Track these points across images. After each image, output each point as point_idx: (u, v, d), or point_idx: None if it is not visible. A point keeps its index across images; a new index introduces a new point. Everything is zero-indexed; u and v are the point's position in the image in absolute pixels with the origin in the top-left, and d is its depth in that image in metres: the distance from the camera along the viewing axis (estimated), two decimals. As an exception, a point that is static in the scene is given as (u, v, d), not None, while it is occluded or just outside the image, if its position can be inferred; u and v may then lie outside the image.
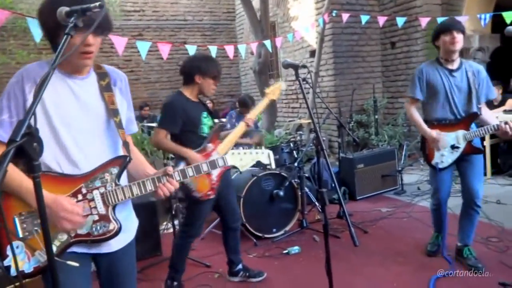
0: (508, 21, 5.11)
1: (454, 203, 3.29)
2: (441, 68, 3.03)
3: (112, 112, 1.57)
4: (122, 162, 1.55)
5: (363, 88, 7.93)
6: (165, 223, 4.49)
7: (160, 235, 3.94)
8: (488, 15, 5.67)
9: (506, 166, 5.75)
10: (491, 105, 6.09)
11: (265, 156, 1.81)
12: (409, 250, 3.50)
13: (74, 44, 1.31)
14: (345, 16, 6.15)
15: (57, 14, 1.24)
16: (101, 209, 1.49)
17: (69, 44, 1.19)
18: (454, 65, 3.01)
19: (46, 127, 1.44)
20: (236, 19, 11.80)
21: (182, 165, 2.76)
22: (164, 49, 4.38)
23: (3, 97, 1.44)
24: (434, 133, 3.00)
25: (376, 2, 7.89)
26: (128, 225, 1.65)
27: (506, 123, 2.74)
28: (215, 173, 2.83)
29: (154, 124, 7.63)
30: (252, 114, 3.07)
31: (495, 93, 3.20)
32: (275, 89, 3.12)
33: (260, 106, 3.13)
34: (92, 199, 1.48)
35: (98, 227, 1.48)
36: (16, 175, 1.37)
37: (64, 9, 1.23)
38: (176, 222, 4.24)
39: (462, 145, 2.97)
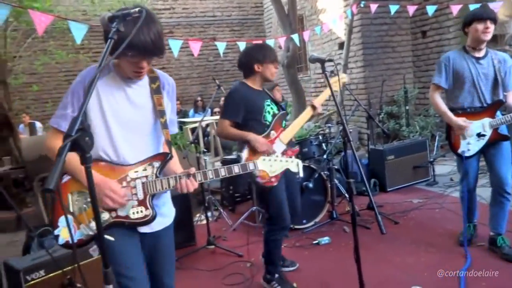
0: (545, 6, 4.93)
1: (487, 194, 3.27)
2: (468, 56, 3.04)
3: (159, 113, 1.75)
4: (164, 158, 1.74)
5: (393, 79, 7.83)
6: (198, 214, 4.66)
7: (194, 225, 4.09)
8: (524, 0, 5.46)
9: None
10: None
11: (294, 164, 1.88)
12: (441, 241, 3.49)
13: (128, 65, 1.59)
14: (374, 7, 6.07)
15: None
16: (141, 196, 1.67)
17: (125, 62, 1.54)
18: (481, 53, 3.02)
19: (101, 122, 1.65)
20: (264, 13, 11.85)
21: (245, 151, 2.79)
22: (195, 46, 4.50)
23: (68, 94, 1.65)
24: (460, 120, 3.01)
25: (406, -10, 7.74)
26: (166, 210, 1.85)
27: None
28: None
29: (185, 119, 7.86)
30: (319, 100, 3.07)
31: None
32: (338, 81, 3.07)
33: (325, 94, 3.09)
34: (135, 187, 1.67)
35: (136, 212, 1.67)
36: (73, 158, 1.53)
37: (106, 15, 1.35)
38: (209, 214, 4.39)
39: (488, 132, 3.00)
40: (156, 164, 1.71)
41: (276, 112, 2.95)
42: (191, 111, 9.11)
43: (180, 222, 3.72)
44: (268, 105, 2.93)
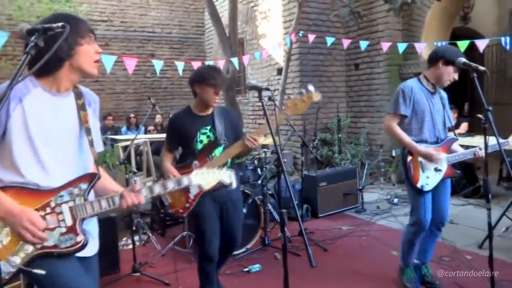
0: (462, 50, 5.40)
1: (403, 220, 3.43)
2: (424, 89, 2.95)
3: (86, 130, 1.66)
4: (92, 178, 1.62)
5: (328, 107, 8.12)
6: (124, 238, 4.40)
7: (119, 251, 3.84)
8: (444, 43, 5.98)
9: (460, 187, 6.02)
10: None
11: (227, 175, 1.85)
12: (366, 269, 3.59)
13: (86, 52, 1.54)
14: (311, 37, 6.32)
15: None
16: (69, 222, 1.54)
17: (83, 51, 1.53)
18: (434, 88, 2.98)
19: (25, 142, 1.49)
20: (205, 34, 11.85)
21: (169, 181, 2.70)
22: (130, 63, 4.34)
23: None
24: (430, 149, 2.89)
25: (341, 25, 8.16)
26: (94, 231, 1.73)
27: (480, 149, 2.81)
28: (193, 192, 2.75)
29: (117, 136, 7.50)
30: (256, 133, 2.82)
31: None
32: (303, 103, 2.89)
33: (261, 129, 2.87)
34: (61, 212, 1.53)
35: (66, 240, 1.53)
36: None
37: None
38: (136, 238, 4.16)
39: (444, 167, 2.93)
40: (83, 185, 1.59)
41: (212, 140, 2.83)
42: (124, 128, 8.76)
43: (104, 247, 3.42)
44: (204, 133, 2.82)
